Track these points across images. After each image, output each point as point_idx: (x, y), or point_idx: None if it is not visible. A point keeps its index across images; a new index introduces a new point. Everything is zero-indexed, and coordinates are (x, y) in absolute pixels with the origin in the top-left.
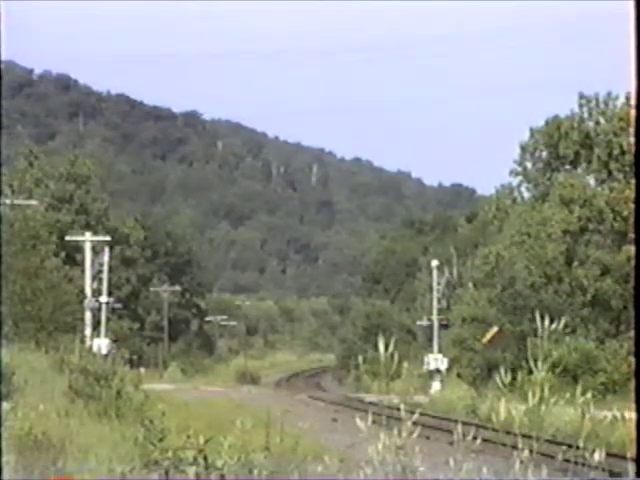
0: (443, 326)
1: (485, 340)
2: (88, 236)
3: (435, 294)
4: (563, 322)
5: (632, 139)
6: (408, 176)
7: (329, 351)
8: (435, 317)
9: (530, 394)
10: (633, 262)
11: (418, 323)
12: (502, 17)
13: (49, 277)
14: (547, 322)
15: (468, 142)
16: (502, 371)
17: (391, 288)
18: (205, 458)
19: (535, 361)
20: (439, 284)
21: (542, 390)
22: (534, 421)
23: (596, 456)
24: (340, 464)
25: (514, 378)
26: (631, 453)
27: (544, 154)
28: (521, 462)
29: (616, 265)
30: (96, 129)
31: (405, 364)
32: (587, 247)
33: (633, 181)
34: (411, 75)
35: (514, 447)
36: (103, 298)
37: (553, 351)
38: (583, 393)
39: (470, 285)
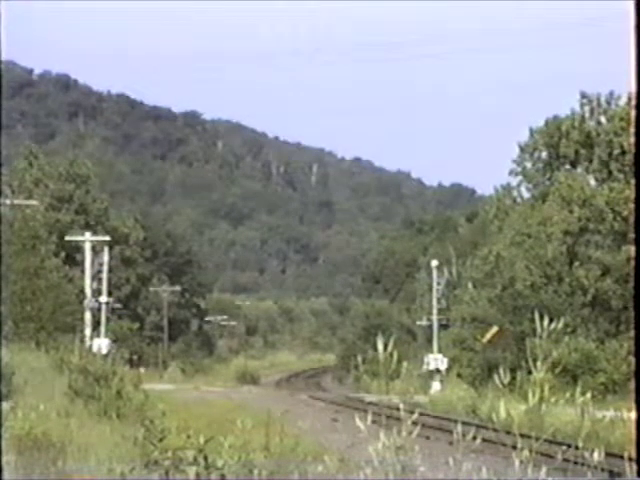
0: (443, 326)
1: (485, 340)
2: (88, 236)
3: (435, 294)
4: (563, 322)
5: (632, 139)
6: (408, 176)
7: (329, 351)
8: (435, 317)
9: (530, 394)
10: (633, 262)
11: (418, 323)
12: (502, 17)
13: (49, 277)
14: (547, 322)
15: (468, 142)
16: (502, 371)
17: (391, 288)
18: (205, 458)
19: (535, 361)
20: (439, 284)
21: (542, 390)
22: (534, 421)
23: (595, 456)
24: (340, 464)
25: (514, 378)
26: (631, 453)
27: (544, 154)
28: (521, 462)
29: (616, 265)
30: (96, 129)
31: (405, 364)
32: (587, 247)
33: (633, 181)
34: (411, 75)
35: (514, 447)
36: (103, 298)
37: (553, 351)
38: (583, 393)
39: (470, 285)
